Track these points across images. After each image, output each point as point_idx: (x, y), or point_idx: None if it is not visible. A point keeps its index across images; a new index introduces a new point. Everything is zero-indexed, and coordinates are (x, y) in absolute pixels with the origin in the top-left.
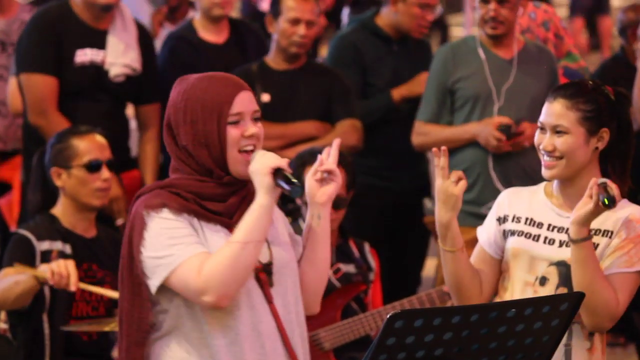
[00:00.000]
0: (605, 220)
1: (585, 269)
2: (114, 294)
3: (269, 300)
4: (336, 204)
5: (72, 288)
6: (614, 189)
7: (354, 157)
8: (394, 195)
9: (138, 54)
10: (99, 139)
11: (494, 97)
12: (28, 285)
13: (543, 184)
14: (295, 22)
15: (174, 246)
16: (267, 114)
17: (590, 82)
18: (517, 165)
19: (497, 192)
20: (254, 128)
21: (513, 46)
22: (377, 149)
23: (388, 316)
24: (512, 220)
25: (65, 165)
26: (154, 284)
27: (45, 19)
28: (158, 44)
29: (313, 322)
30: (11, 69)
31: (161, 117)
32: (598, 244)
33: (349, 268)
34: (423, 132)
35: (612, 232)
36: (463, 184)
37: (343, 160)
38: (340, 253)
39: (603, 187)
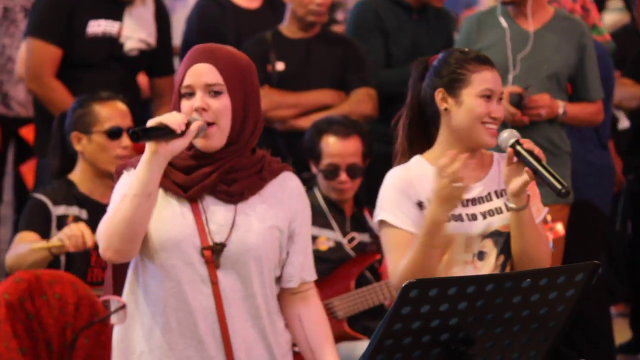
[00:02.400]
0: (502, 181)
1: (531, 230)
2: None
3: (212, 280)
4: (352, 172)
5: (89, 243)
6: (530, 147)
7: (371, 125)
8: None
9: (154, 29)
10: (121, 105)
11: (509, 65)
12: (41, 256)
13: (417, 157)
14: None
15: (113, 202)
16: (281, 82)
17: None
18: (540, 138)
19: None
20: (198, 101)
21: (539, 17)
22: (394, 116)
23: (403, 285)
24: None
25: (86, 131)
26: None
27: None
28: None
29: (327, 290)
30: None
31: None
32: (501, 207)
33: (364, 237)
34: None
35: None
36: (464, 188)
37: (359, 128)
38: (354, 222)
39: (524, 151)
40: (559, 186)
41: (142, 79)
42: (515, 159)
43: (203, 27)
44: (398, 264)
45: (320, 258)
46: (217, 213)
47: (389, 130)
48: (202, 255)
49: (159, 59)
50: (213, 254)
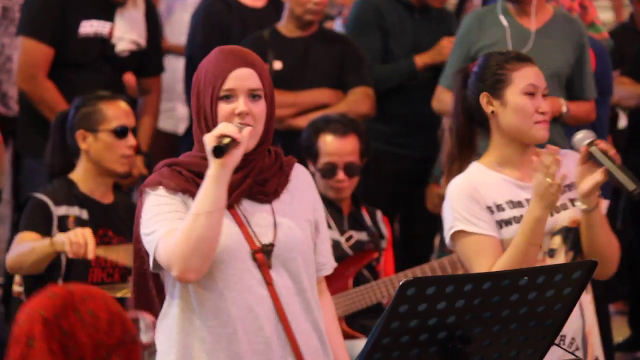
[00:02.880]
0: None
1: (602, 230)
2: (128, 262)
3: (267, 282)
4: (350, 171)
5: (90, 256)
6: (605, 148)
7: (368, 124)
8: (408, 162)
9: (144, 29)
10: (124, 105)
11: None
12: (44, 254)
13: (475, 163)
14: None
15: (157, 222)
16: (279, 81)
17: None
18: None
19: None
20: (243, 106)
21: (539, 16)
22: (391, 115)
23: (400, 283)
24: (498, 210)
25: (92, 129)
26: (150, 261)
27: None
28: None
29: None
30: None
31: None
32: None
33: (361, 235)
34: (442, 99)
35: (574, 183)
36: (561, 184)
37: (356, 127)
38: (352, 220)
39: (597, 152)
40: (631, 187)
41: (129, 78)
42: (588, 159)
43: (209, 25)
44: (492, 267)
45: None
46: (256, 215)
47: (386, 129)
48: (254, 259)
49: (149, 59)
50: (264, 255)
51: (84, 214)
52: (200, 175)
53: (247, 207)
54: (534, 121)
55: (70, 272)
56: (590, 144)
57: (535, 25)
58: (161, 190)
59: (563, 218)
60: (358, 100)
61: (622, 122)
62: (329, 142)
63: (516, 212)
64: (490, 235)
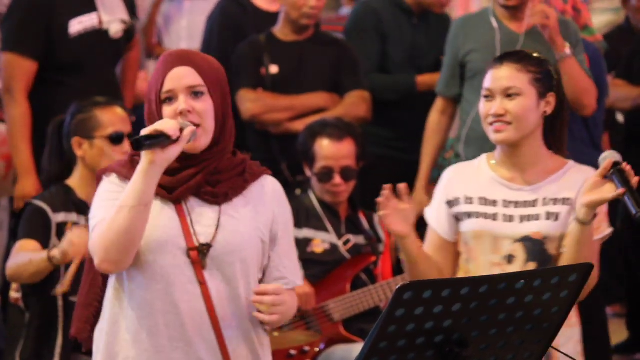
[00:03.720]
0: (561, 188)
1: (589, 246)
2: None
3: (199, 281)
4: (346, 175)
5: None
6: (629, 172)
7: (365, 128)
8: (404, 166)
9: (124, 5)
10: (120, 111)
11: None
12: (42, 267)
13: (483, 156)
14: None
15: (98, 209)
16: (275, 85)
17: (529, 51)
18: None
19: None
20: (183, 104)
21: (528, 18)
22: (388, 119)
23: (397, 287)
24: (465, 202)
25: (88, 136)
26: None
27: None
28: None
29: (322, 293)
30: None
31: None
32: (559, 213)
33: (359, 239)
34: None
35: (570, 199)
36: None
37: (352, 131)
38: (350, 224)
39: (618, 172)
40: (636, 209)
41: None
42: (608, 175)
43: (225, 25)
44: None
45: (315, 260)
46: (202, 214)
47: (383, 132)
48: (188, 256)
49: (132, 32)
50: (199, 254)
51: (82, 221)
52: None
53: (195, 205)
54: (487, 123)
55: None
56: (617, 163)
57: (524, 28)
58: (113, 178)
59: (529, 227)
60: (354, 104)
61: (620, 117)
62: (325, 147)
63: (482, 208)
64: (432, 227)
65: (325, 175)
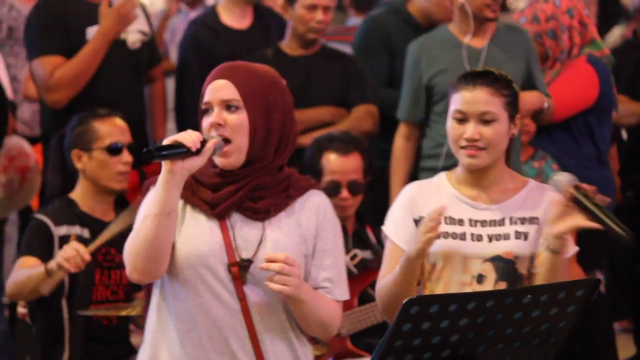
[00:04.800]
0: (527, 208)
1: (562, 271)
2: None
3: (239, 297)
4: (353, 189)
5: (87, 257)
6: (591, 192)
7: (372, 141)
8: (411, 179)
9: (144, 16)
10: (119, 122)
11: None
12: (40, 282)
13: (443, 174)
14: (312, 8)
15: (138, 220)
16: None
17: (494, 70)
18: None
19: None
20: (214, 116)
21: (485, 32)
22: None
23: (404, 302)
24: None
25: (86, 148)
26: None
27: (47, 5)
28: (175, 21)
29: None
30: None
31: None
32: (528, 233)
33: (366, 254)
34: (405, 136)
35: (538, 219)
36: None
37: (359, 145)
38: (357, 239)
39: (583, 195)
40: (622, 233)
41: None
42: (572, 202)
43: (198, 52)
44: (383, 277)
45: None
46: (245, 230)
47: (390, 146)
48: (229, 271)
49: (152, 48)
50: (240, 269)
51: (85, 233)
52: (199, 182)
53: (238, 220)
54: (459, 146)
55: (73, 292)
56: (576, 188)
57: (482, 42)
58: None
59: (499, 247)
60: (361, 118)
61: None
62: (332, 161)
63: (449, 227)
64: (399, 246)
65: (333, 189)
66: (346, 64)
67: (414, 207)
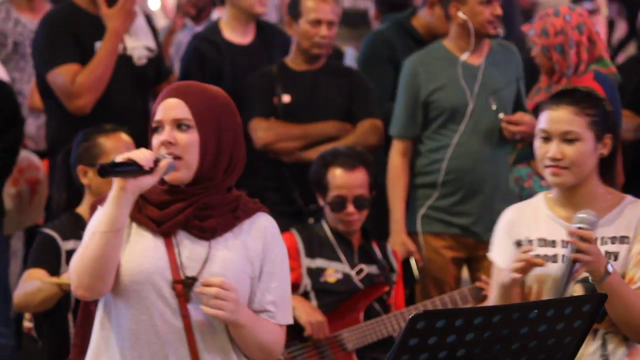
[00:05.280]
0: (619, 226)
1: (619, 298)
2: None
3: (182, 314)
4: (359, 204)
5: None
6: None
7: (377, 156)
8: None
9: (150, 34)
10: (125, 137)
11: (468, 99)
12: (50, 293)
13: (541, 195)
14: (317, 23)
15: (84, 237)
16: (287, 114)
17: (586, 88)
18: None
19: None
20: (165, 135)
21: (482, 49)
22: None
23: (410, 317)
24: (525, 245)
25: (92, 164)
26: None
27: (56, 18)
28: (180, 37)
29: (336, 322)
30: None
31: None
32: (618, 253)
33: (372, 269)
34: (401, 152)
35: (629, 238)
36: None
37: (365, 160)
38: (363, 254)
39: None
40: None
41: None
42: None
43: (199, 66)
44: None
45: (328, 290)
46: (190, 248)
47: None
48: (173, 288)
49: (160, 64)
50: (184, 287)
51: None
52: (146, 200)
53: (184, 239)
54: (544, 165)
55: (79, 306)
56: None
57: (479, 59)
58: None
59: None
60: (366, 132)
61: None
62: (337, 176)
63: (542, 250)
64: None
65: (338, 204)
66: (351, 78)
67: (513, 231)
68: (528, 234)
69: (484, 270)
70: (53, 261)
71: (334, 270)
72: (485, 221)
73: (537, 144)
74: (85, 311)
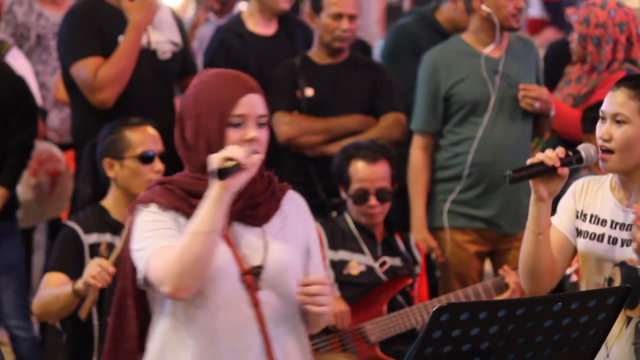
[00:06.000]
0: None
1: None
2: None
3: (254, 303)
4: (381, 196)
5: (111, 270)
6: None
7: (400, 149)
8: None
9: (176, 28)
10: (151, 130)
11: (490, 91)
12: (69, 301)
13: (610, 175)
14: (338, 16)
15: (148, 239)
16: (310, 108)
17: None
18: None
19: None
20: (254, 132)
21: (502, 43)
22: None
23: (434, 309)
24: (581, 219)
25: (118, 157)
26: (139, 277)
27: (80, 11)
28: (204, 30)
29: (359, 315)
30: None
31: None
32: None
33: (395, 261)
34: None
35: None
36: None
37: (387, 153)
38: (386, 246)
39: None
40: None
41: None
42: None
43: (227, 57)
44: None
45: (351, 282)
46: (246, 237)
47: None
48: (242, 280)
49: (187, 58)
50: (253, 277)
51: (116, 241)
52: (192, 194)
53: (238, 229)
54: (599, 145)
55: (103, 298)
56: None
57: (499, 52)
58: (153, 207)
59: (627, 253)
60: (389, 126)
61: None
62: (359, 169)
63: (592, 227)
64: (559, 229)
65: (361, 197)
66: (375, 72)
67: (577, 200)
68: (584, 207)
69: (507, 263)
70: (75, 261)
71: (357, 263)
72: (509, 214)
73: (597, 125)
74: (120, 305)
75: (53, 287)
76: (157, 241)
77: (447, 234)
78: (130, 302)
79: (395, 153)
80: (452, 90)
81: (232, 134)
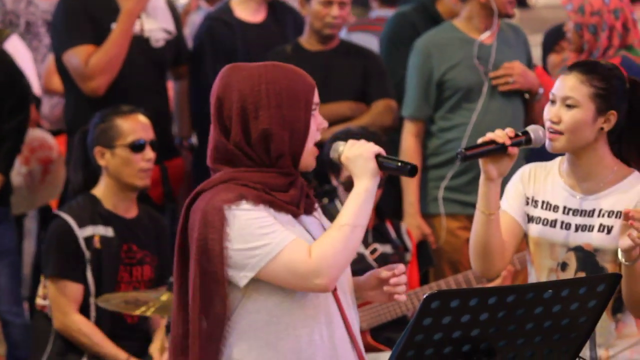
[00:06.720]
0: (619, 201)
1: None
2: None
3: (338, 305)
4: None
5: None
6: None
7: (392, 136)
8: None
9: (170, 16)
10: (142, 118)
11: (483, 78)
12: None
13: (558, 159)
14: (328, 3)
15: (267, 235)
16: None
17: (608, 64)
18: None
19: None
20: (324, 120)
21: (494, 30)
22: None
23: (424, 296)
24: (532, 205)
25: (109, 145)
26: (246, 275)
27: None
28: (195, 17)
29: None
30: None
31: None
32: (612, 226)
33: (386, 248)
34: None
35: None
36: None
37: (377, 140)
38: (376, 233)
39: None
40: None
41: None
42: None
43: (215, 45)
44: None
45: None
46: (312, 225)
47: None
48: None
49: (181, 46)
50: None
51: (109, 232)
52: (267, 186)
53: (304, 219)
54: (546, 127)
55: (99, 289)
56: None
57: (490, 38)
58: (244, 204)
59: (581, 238)
60: (381, 113)
61: None
62: None
63: (544, 213)
64: (508, 213)
65: (351, 184)
66: (366, 59)
67: (527, 186)
68: (534, 194)
69: None
70: (76, 264)
71: None
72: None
73: (546, 107)
74: (206, 288)
75: (105, 341)
76: (281, 235)
77: (444, 221)
78: (219, 288)
79: (385, 140)
80: (446, 76)
81: (313, 122)
